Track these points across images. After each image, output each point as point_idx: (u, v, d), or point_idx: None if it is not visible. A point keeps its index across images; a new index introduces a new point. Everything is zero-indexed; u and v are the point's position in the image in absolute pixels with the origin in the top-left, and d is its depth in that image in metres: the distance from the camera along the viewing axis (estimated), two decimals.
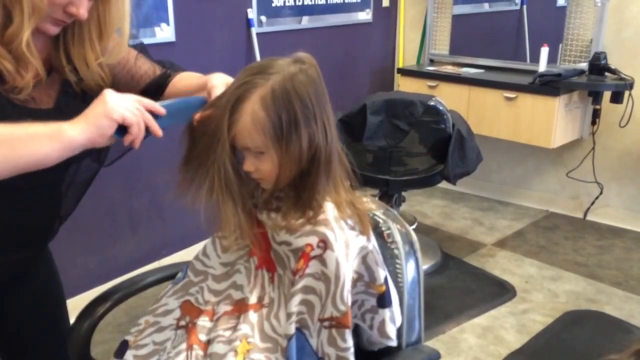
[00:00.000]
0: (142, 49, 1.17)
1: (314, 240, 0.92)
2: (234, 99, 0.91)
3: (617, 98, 2.91)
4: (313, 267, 0.92)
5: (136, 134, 0.90)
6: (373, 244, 0.99)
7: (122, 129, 0.90)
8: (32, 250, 1.14)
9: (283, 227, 0.96)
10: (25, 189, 0.89)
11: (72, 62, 1.00)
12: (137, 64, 1.13)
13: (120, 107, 0.87)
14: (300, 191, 0.95)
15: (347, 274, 0.92)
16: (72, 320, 1.20)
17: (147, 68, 1.14)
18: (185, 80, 1.15)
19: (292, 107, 0.90)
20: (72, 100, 1.03)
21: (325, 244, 0.92)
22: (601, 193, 3.22)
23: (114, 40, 1.03)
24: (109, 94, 0.88)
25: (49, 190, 1.05)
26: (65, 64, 1.00)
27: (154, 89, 1.15)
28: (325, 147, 0.94)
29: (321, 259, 0.92)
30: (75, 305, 2.03)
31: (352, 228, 0.97)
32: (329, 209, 0.95)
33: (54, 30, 0.95)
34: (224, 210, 0.96)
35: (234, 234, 0.99)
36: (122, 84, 1.12)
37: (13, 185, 0.85)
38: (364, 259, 0.97)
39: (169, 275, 1.27)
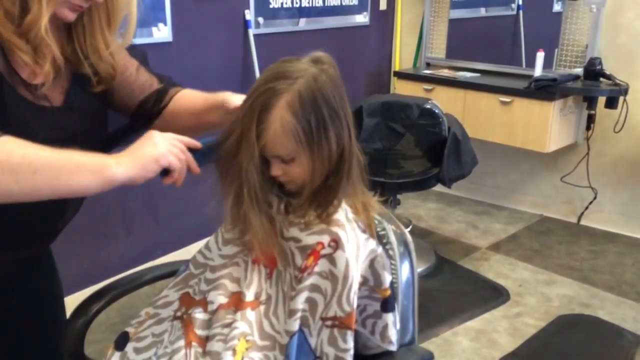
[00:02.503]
0: (143, 59, 1.16)
1: (326, 239, 0.92)
2: (260, 107, 0.90)
3: (611, 103, 2.92)
4: (322, 265, 0.92)
5: (177, 177, 0.92)
6: (381, 248, 0.99)
7: (165, 170, 0.92)
8: (35, 249, 1.14)
9: (294, 223, 0.96)
10: None
11: (88, 57, 1.00)
12: (138, 75, 1.12)
13: (169, 152, 0.89)
14: (319, 190, 0.95)
15: (356, 276, 0.92)
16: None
17: (144, 80, 1.13)
18: (188, 99, 1.14)
19: (320, 110, 0.90)
20: (81, 94, 1.03)
21: (336, 243, 0.91)
22: (595, 198, 3.24)
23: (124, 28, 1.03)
24: (156, 135, 0.90)
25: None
26: (82, 58, 1.00)
27: (151, 104, 1.14)
28: (350, 147, 0.94)
29: (331, 258, 0.91)
30: (68, 305, 2.02)
31: (364, 231, 0.97)
32: (342, 210, 0.95)
33: (71, 16, 0.94)
34: (250, 220, 0.96)
35: (257, 243, 0.97)
36: (119, 96, 1.11)
37: None
38: (372, 263, 0.97)
39: (164, 273, 1.27)
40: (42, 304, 1.21)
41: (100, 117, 1.10)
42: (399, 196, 2.88)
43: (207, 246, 1.09)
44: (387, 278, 0.98)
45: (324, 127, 0.91)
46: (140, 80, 1.12)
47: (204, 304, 1.02)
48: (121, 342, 1.06)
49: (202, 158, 0.97)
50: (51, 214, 1.07)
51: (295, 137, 0.90)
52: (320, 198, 0.95)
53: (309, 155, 0.92)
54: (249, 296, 0.98)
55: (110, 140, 1.13)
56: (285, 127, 0.89)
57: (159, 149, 0.88)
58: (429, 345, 2.24)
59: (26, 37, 0.90)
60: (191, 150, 0.95)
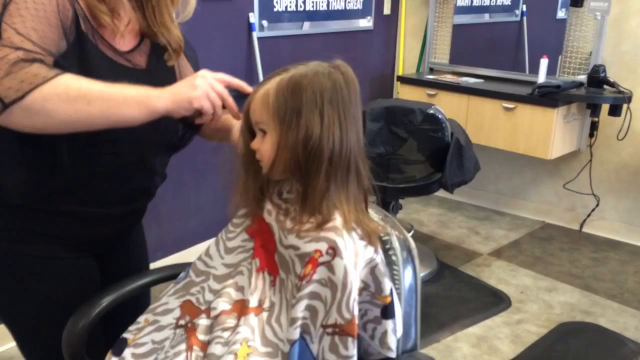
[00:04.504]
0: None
1: (323, 246, 0.92)
2: (266, 79, 1.00)
3: (615, 111, 2.92)
4: (320, 273, 0.92)
5: (207, 119, 1.04)
6: (381, 256, 0.99)
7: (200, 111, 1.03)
8: (134, 207, 1.25)
9: (292, 230, 0.97)
10: (124, 153, 1.08)
11: (160, 30, 1.13)
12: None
13: (204, 96, 1.00)
14: (306, 191, 0.96)
15: (355, 283, 0.92)
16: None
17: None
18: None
19: (300, 96, 0.94)
20: (160, 64, 1.16)
21: (334, 250, 0.91)
22: (597, 205, 3.23)
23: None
24: (199, 76, 1.02)
25: (142, 157, 1.17)
26: (155, 32, 1.12)
27: None
28: (332, 150, 0.95)
29: (329, 266, 0.91)
30: None
31: (362, 238, 0.97)
32: (339, 217, 0.95)
33: None
34: (238, 178, 1.03)
35: (241, 198, 1.05)
36: (182, 76, 1.22)
37: (113, 150, 1.06)
38: (372, 270, 0.97)
39: (164, 276, 1.27)
40: (130, 267, 1.32)
41: None
42: (400, 201, 2.88)
43: (207, 253, 1.09)
44: (388, 285, 0.98)
45: (297, 113, 0.94)
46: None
47: (209, 312, 1.02)
48: (119, 348, 1.06)
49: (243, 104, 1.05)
50: (143, 173, 1.19)
51: (268, 108, 0.96)
52: (310, 199, 0.96)
53: (278, 133, 0.96)
54: (253, 302, 0.99)
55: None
56: (264, 96, 0.97)
57: (196, 92, 1.00)
58: (430, 351, 2.23)
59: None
60: (238, 93, 1.07)
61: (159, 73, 1.15)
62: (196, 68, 1.25)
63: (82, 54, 1.02)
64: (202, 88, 1.00)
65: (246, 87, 1.08)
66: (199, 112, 1.03)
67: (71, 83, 0.93)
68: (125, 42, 1.11)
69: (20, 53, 0.91)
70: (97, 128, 0.97)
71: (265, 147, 0.98)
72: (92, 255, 1.22)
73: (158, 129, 1.12)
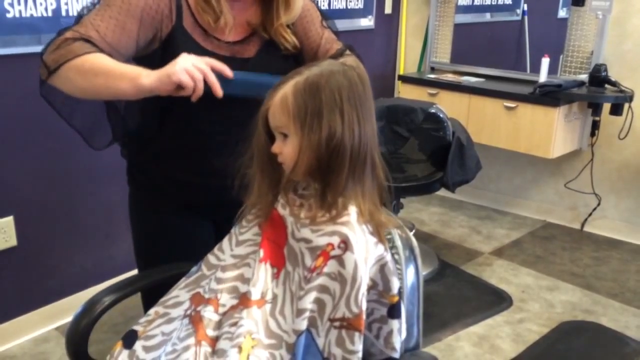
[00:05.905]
0: (335, 28, 1.40)
1: (335, 240, 0.93)
2: (280, 82, 1.00)
3: (616, 110, 2.92)
4: (331, 266, 0.92)
5: (188, 92, 1.07)
6: (390, 254, 0.99)
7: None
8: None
9: (306, 222, 0.97)
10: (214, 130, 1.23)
11: (274, 28, 1.25)
12: (321, 41, 1.34)
13: (183, 71, 1.05)
14: (325, 189, 0.97)
15: (364, 278, 0.92)
16: (69, 319, 1.20)
17: (324, 45, 1.33)
18: None
19: (319, 96, 0.95)
20: (272, 54, 1.27)
21: (346, 244, 0.92)
22: (599, 204, 3.23)
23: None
24: (182, 57, 1.08)
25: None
26: (270, 29, 1.25)
27: None
28: (352, 146, 0.96)
29: (340, 260, 0.92)
30: (72, 304, 2.01)
31: (373, 234, 0.98)
32: (353, 212, 0.96)
33: None
34: (253, 179, 1.04)
35: (256, 204, 1.05)
36: (306, 58, 1.32)
37: (210, 128, 1.23)
38: (382, 268, 0.97)
39: (167, 276, 1.27)
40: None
41: None
42: (402, 200, 2.88)
43: (220, 248, 1.11)
44: (396, 284, 0.98)
45: (318, 114, 0.94)
46: (322, 45, 1.33)
47: (215, 304, 1.02)
48: (129, 340, 1.07)
49: (229, 87, 1.09)
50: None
51: (288, 112, 0.96)
52: (329, 196, 0.96)
53: (299, 135, 0.95)
54: (255, 295, 0.99)
55: None
56: (283, 100, 0.97)
57: (175, 67, 1.05)
58: (432, 350, 2.23)
59: (209, 4, 1.20)
60: (220, 76, 1.10)
61: (267, 63, 1.26)
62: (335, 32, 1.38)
63: (172, 42, 1.19)
64: (181, 65, 1.06)
65: (227, 71, 1.11)
66: (180, 87, 1.08)
67: (90, 59, 1.09)
68: (233, 33, 1.24)
69: (70, 33, 1.11)
70: (105, 98, 1.18)
71: (287, 150, 0.98)
72: (210, 219, 1.39)
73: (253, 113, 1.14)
